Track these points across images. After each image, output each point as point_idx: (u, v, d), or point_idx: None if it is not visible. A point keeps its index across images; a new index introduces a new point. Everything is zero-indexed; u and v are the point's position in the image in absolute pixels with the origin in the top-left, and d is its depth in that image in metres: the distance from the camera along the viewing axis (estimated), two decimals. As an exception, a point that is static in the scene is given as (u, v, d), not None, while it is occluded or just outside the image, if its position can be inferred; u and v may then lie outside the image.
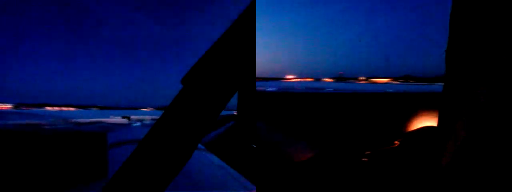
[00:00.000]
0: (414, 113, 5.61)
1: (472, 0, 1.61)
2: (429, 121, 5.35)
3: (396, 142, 4.78)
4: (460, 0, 1.64)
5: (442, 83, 1.77)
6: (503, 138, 1.63)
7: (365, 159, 4.37)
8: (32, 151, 8.39)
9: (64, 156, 7.40)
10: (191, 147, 1.19)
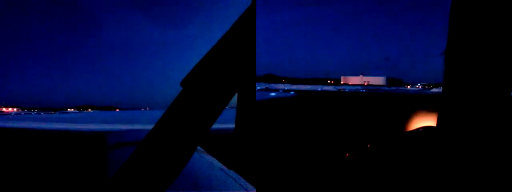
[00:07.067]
0: (414, 113, 5.60)
1: (472, 0, 1.60)
2: (429, 121, 5.34)
3: (395, 142, 4.77)
4: (460, 0, 1.63)
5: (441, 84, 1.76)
6: (503, 138, 1.63)
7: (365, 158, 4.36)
8: (32, 152, 8.38)
9: (64, 157, 7.39)
10: (191, 148, 1.19)
